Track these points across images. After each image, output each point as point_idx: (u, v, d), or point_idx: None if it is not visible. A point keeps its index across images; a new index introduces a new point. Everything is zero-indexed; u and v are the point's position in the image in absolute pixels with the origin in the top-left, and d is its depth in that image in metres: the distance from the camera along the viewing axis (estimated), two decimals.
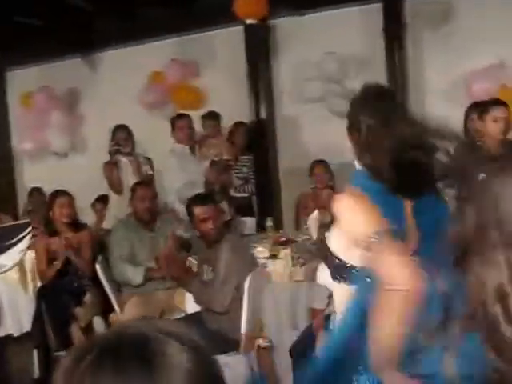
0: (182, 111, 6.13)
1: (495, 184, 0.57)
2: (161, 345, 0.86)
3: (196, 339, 0.90)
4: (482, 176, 3.07)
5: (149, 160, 5.79)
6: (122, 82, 6.80)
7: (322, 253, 2.30)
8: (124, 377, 0.83)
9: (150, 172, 5.69)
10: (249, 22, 5.04)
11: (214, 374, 0.90)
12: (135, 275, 4.55)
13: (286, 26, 6.42)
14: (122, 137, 5.56)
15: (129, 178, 5.49)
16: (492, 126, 4.09)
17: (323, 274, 3.95)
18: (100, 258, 4.67)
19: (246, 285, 3.75)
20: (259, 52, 6.37)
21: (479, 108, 4.34)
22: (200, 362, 0.87)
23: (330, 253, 2.18)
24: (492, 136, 4.08)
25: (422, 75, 5.95)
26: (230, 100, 6.44)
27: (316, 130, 6.23)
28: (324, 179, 5.61)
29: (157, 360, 0.84)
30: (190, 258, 4.51)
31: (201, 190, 5.47)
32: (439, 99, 5.83)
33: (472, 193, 0.63)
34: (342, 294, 2.23)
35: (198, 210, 4.02)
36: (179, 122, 5.75)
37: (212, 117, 6.13)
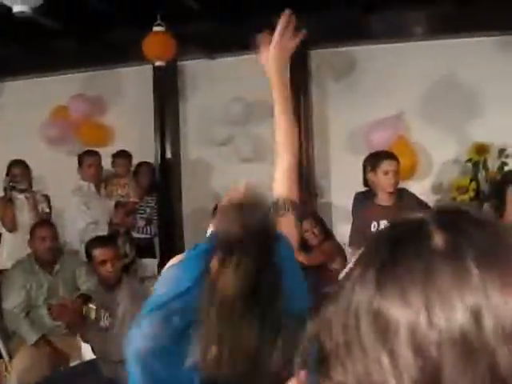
0: (86, 148, 5.99)
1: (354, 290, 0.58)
2: None
3: None
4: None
5: (46, 197, 5.59)
6: (23, 114, 6.58)
7: None
8: None
9: (47, 210, 5.50)
10: (157, 63, 5.02)
11: None
12: (30, 335, 4.35)
13: (195, 68, 6.46)
14: (18, 172, 5.35)
15: (25, 216, 5.29)
16: (383, 178, 4.21)
17: None
18: None
19: None
20: (167, 92, 6.36)
21: (372, 160, 4.49)
22: None
23: None
24: (383, 188, 4.21)
25: (326, 123, 6.12)
26: (135, 138, 6.36)
27: (221, 173, 6.25)
28: None
29: None
30: (89, 305, 4.36)
31: (105, 230, 5.33)
32: (342, 147, 6.00)
33: None
34: None
35: (97, 252, 3.96)
36: (88, 158, 5.61)
37: (123, 156, 6.01)
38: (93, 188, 5.63)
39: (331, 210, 6.04)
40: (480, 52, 5.55)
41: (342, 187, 5.90)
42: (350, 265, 0.64)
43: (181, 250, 6.75)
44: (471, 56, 5.56)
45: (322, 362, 0.58)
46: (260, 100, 6.17)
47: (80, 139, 6.51)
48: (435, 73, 5.66)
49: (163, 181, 6.31)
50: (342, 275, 0.65)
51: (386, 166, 4.23)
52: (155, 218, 6.13)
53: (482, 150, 5.50)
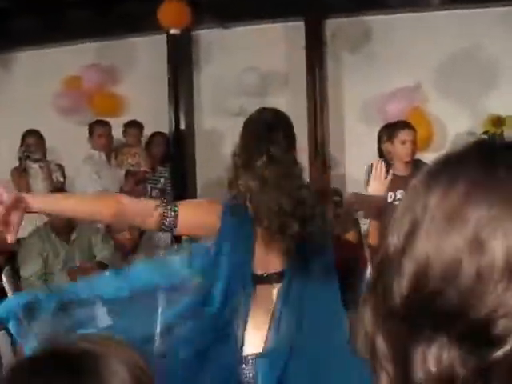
0: (98, 118, 5.99)
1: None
2: (96, 361, 0.84)
3: (135, 356, 0.87)
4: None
5: (60, 167, 5.61)
6: (36, 84, 6.56)
7: None
8: None
9: (61, 179, 5.52)
10: (172, 31, 4.98)
11: None
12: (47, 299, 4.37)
13: (209, 37, 6.41)
14: (32, 142, 5.37)
15: (39, 185, 5.31)
16: (400, 148, 4.22)
17: None
18: (7, 269, 4.45)
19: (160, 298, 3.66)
20: (181, 62, 6.32)
21: (388, 130, 4.47)
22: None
23: None
24: (400, 158, 4.22)
25: (341, 94, 6.08)
26: (149, 109, 6.34)
27: (235, 143, 6.22)
28: None
29: (89, 377, 0.82)
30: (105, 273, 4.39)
31: None
32: (357, 118, 5.97)
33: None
34: None
35: None
36: (98, 128, 5.63)
37: (135, 126, 6.02)
38: (103, 157, 5.66)
39: (345, 182, 6.02)
40: (498, 23, 5.47)
41: (356, 159, 5.88)
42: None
43: None
44: (488, 27, 5.49)
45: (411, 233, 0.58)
46: (274, 70, 6.14)
47: (93, 109, 6.50)
48: (452, 44, 5.59)
49: (177, 151, 6.31)
50: None
51: (404, 135, 4.23)
52: (169, 188, 6.14)
53: (497, 122, 5.45)
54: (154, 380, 0.89)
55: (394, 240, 0.55)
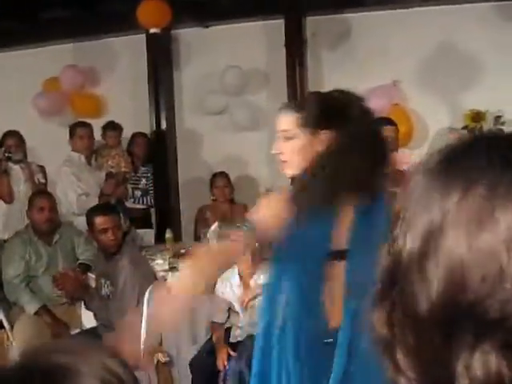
0: (79, 119, 5.95)
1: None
2: (66, 377, 0.80)
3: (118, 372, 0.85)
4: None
5: (41, 168, 5.56)
6: (16, 85, 6.51)
7: None
8: None
9: (43, 180, 5.48)
10: (152, 30, 4.96)
11: None
12: (30, 305, 4.34)
13: (189, 36, 6.39)
14: (12, 143, 5.31)
15: (20, 187, 5.27)
16: None
17: (222, 288, 3.96)
18: None
19: (146, 298, 3.66)
20: (161, 61, 6.30)
21: None
22: None
23: None
24: None
25: (320, 90, 6.08)
26: (129, 109, 6.32)
27: (217, 143, 6.23)
28: (224, 192, 5.61)
29: None
30: (88, 274, 4.37)
31: (96, 201, 5.33)
32: None
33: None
34: None
35: (99, 220, 3.95)
36: (80, 130, 5.58)
37: (113, 127, 5.98)
38: (83, 159, 5.62)
39: None
40: (476, 18, 5.52)
41: None
42: None
43: (177, 221, 6.80)
44: (467, 23, 5.54)
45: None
46: (255, 68, 6.15)
47: (73, 111, 6.47)
48: (431, 40, 5.63)
49: (158, 151, 6.29)
50: None
51: (386, 131, 4.23)
52: (151, 188, 6.13)
53: (477, 117, 5.51)
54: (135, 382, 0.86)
55: (409, 244, 0.53)
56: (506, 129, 5.38)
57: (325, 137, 2.13)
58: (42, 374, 0.80)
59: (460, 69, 5.60)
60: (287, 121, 2.21)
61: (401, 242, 0.54)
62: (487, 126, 5.43)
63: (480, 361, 0.49)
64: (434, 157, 0.59)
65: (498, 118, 5.44)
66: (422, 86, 5.63)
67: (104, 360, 0.84)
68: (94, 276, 4.27)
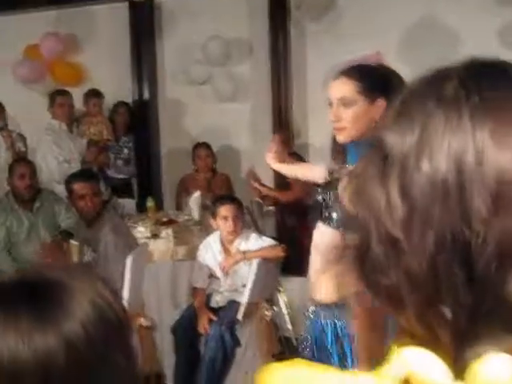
0: (60, 87, 5.91)
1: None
2: (61, 292, 0.82)
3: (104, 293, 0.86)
4: None
5: (22, 136, 5.54)
6: None
7: None
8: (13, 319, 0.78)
9: (23, 149, 5.46)
10: None
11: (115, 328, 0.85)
12: (12, 269, 4.34)
13: (171, 5, 6.33)
14: None
15: (1, 155, 5.26)
16: None
17: (204, 253, 4.01)
18: None
19: (128, 264, 3.68)
20: (143, 30, 6.24)
21: None
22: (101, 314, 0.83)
23: None
24: None
25: (304, 62, 6.10)
26: (111, 78, 6.27)
27: (199, 113, 6.22)
28: (206, 162, 5.63)
29: (51, 305, 0.80)
30: (71, 241, 4.37)
31: (77, 169, 5.32)
32: (320, 86, 5.99)
33: None
34: None
35: (77, 186, 3.95)
36: (59, 98, 5.57)
37: (96, 95, 5.97)
38: (64, 127, 5.62)
39: (308, 150, 6.08)
40: None
41: (319, 128, 5.92)
42: None
43: (158, 190, 6.78)
44: None
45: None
46: (238, 38, 6.12)
47: (54, 79, 6.39)
48: (414, 13, 5.65)
49: (140, 121, 6.26)
50: None
51: None
52: (133, 158, 6.12)
53: None
54: (124, 317, 0.86)
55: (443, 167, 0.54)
56: None
57: (380, 104, 2.17)
58: (31, 286, 0.81)
59: (442, 41, 5.62)
60: (347, 88, 2.23)
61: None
62: None
63: None
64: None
65: None
66: (405, 58, 5.63)
67: (97, 284, 0.85)
68: (76, 243, 4.28)
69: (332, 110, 2.26)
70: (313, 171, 2.69)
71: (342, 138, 2.28)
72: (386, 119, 0.60)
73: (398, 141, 0.56)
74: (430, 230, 0.53)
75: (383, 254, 0.56)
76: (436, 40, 5.64)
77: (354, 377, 0.57)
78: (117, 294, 0.89)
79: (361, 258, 0.59)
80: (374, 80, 2.23)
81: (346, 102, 2.22)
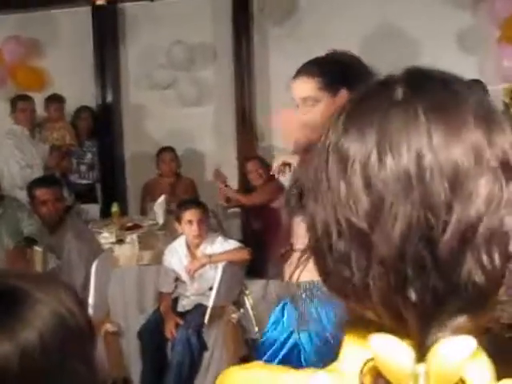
0: (22, 92, 5.84)
1: (326, 139, 0.65)
2: (21, 299, 0.84)
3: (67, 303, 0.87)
4: None
5: None
6: None
7: None
8: None
9: None
10: (98, 2, 4.88)
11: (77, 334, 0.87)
12: None
13: (135, 10, 6.32)
14: None
15: None
16: None
17: (170, 257, 4.01)
18: None
19: (93, 270, 3.67)
20: (107, 35, 6.21)
21: None
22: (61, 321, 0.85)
23: None
24: None
25: (267, 66, 6.15)
26: (74, 83, 6.22)
27: (163, 117, 6.22)
28: (171, 166, 5.63)
29: (10, 314, 0.83)
30: (35, 248, 4.33)
31: (39, 174, 5.27)
32: (283, 90, 6.04)
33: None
34: None
35: (39, 192, 3.92)
36: (21, 103, 5.50)
37: (56, 99, 5.91)
38: (26, 132, 5.55)
39: (272, 153, 6.12)
40: (415, 1, 5.67)
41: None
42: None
43: (123, 195, 6.73)
44: (408, 2, 5.67)
45: (300, 200, 0.67)
46: (202, 43, 6.15)
47: (15, 83, 6.32)
48: (374, 18, 5.74)
49: (104, 125, 6.23)
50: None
51: None
52: (97, 163, 6.09)
53: None
54: (86, 326, 0.88)
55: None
56: None
57: (343, 95, 2.11)
58: None
59: (400, 47, 5.72)
60: (309, 87, 2.15)
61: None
62: None
63: None
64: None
65: None
66: (366, 61, 5.74)
67: (60, 293, 0.86)
68: (40, 250, 4.24)
69: (299, 110, 2.20)
70: None
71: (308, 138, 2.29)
72: (335, 122, 0.64)
73: (356, 140, 0.60)
74: (396, 220, 0.57)
75: (346, 246, 0.59)
76: (395, 45, 5.74)
77: (311, 374, 0.60)
78: (81, 302, 0.90)
79: (320, 251, 0.62)
80: (334, 72, 2.17)
81: (310, 102, 2.15)
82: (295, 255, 0.70)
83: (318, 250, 0.63)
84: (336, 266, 0.61)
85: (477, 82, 4.61)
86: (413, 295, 0.57)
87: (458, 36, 5.64)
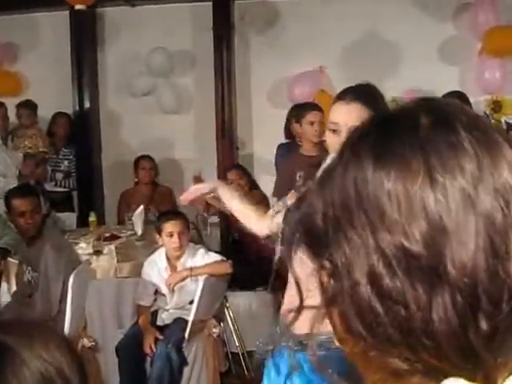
0: None
1: (349, 169, 0.58)
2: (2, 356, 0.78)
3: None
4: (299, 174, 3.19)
5: None
6: None
7: None
8: None
9: None
10: (77, 7, 4.78)
11: None
12: None
13: (115, 15, 6.23)
14: None
15: None
16: (308, 129, 4.30)
17: (149, 270, 3.93)
18: None
19: (70, 282, 3.57)
20: (85, 40, 6.10)
21: (297, 111, 4.55)
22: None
23: None
24: (308, 139, 4.30)
25: (248, 75, 6.11)
26: (51, 88, 6.11)
27: (142, 125, 6.13)
28: (148, 174, 5.55)
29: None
30: (9, 259, 4.21)
31: (14, 183, 5.15)
32: (264, 100, 6.02)
33: (319, 181, 0.63)
34: None
35: (16, 203, 3.80)
36: None
37: (27, 106, 5.77)
38: None
39: (253, 162, 6.08)
40: (398, 8, 5.67)
41: (263, 139, 5.95)
42: (329, 159, 0.66)
43: (100, 204, 6.61)
44: (390, 12, 5.67)
45: (313, 241, 0.58)
46: (182, 50, 6.08)
47: None
48: (356, 28, 5.73)
49: (81, 132, 6.12)
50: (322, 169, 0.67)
51: (311, 116, 4.32)
52: (73, 170, 5.98)
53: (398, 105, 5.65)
54: (79, 378, 0.82)
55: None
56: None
57: None
58: None
59: (382, 57, 5.73)
60: (362, 115, 1.88)
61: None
62: None
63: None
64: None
65: None
66: (347, 72, 5.71)
67: (50, 348, 0.80)
68: (16, 261, 4.13)
69: (340, 137, 1.94)
70: (260, 223, 2.34)
71: None
72: (355, 152, 0.59)
73: (396, 166, 0.56)
74: (463, 244, 0.53)
75: (399, 281, 0.54)
76: (377, 54, 5.75)
77: None
78: (73, 351, 0.83)
79: (359, 298, 0.56)
80: (378, 103, 2.00)
81: None
82: (307, 314, 0.62)
83: (356, 299, 0.56)
84: (387, 309, 0.54)
85: (459, 93, 4.62)
86: (484, 324, 0.53)
87: (440, 47, 5.66)
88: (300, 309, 0.63)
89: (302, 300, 0.64)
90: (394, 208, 0.55)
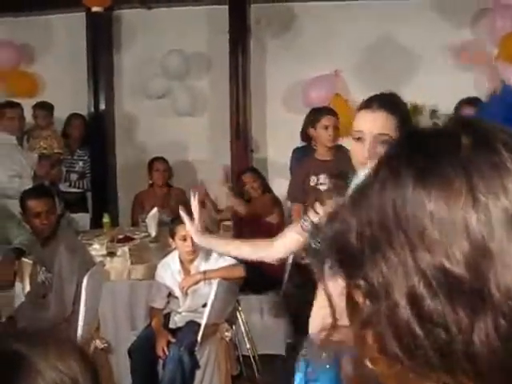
0: (13, 99, 5.74)
1: (386, 188, 0.57)
2: (18, 365, 0.77)
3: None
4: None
5: None
6: None
7: None
8: None
9: None
10: (94, 9, 4.79)
11: None
12: None
13: (131, 17, 6.26)
14: None
15: None
16: (322, 133, 4.30)
17: (162, 273, 3.93)
18: None
19: (84, 284, 3.58)
20: (101, 42, 6.13)
21: (312, 116, 4.55)
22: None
23: None
24: (322, 143, 4.30)
25: (263, 78, 6.11)
26: (67, 90, 6.14)
27: (156, 127, 6.15)
28: (162, 176, 5.56)
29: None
30: (24, 259, 4.23)
31: (29, 183, 5.17)
32: (279, 104, 6.02)
33: (353, 199, 0.61)
34: None
35: (32, 204, 3.81)
36: (9, 110, 5.37)
37: (44, 107, 5.79)
38: (14, 140, 5.44)
39: (267, 165, 6.07)
40: (415, 12, 5.65)
41: (277, 143, 5.95)
42: (362, 175, 0.65)
43: (114, 205, 6.66)
44: (407, 16, 5.65)
45: (346, 260, 0.58)
46: (198, 53, 6.09)
47: (6, 90, 6.22)
48: (372, 32, 5.72)
49: (96, 134, 6.14)
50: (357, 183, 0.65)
51: (326, 121, 4.32)
52: (88, 172, 6.00)
53: (414, 110, 5.62)
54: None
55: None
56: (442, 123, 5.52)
57: None
58: None
59: (398, 62, 5.71)
60: (389, 124, 1.92)
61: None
62: (424, 119, 5.57)
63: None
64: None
65: (433, 112, 5.58)
66: (363, 76, 5.71)
67: (65, 358, 0.79)
68: (30, 261, 4.14)
69: (365, 145, 1.92)
70: (269, 250, 2.28)
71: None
72: (393, 172, 0.58)
73: (438, 187, 0.55)
74: (507, 265, 0.52)
75: (440, 303, 0.53)
76: (393, 58, 5.73)
77: None
78: (87, 359, 0.83)
79: (398, 320, 0.54)
80: (404, 114, 1.99)
81: (385, 140, 1.88)
82: (340, 335, 0.61)
83: (394, 320, 0.54)
84: (427, 332, 0.53)
85: (476, 99, 4.59)
86: None
87: (457, 52, 5.63)
88: (333, 328, 0.61)
89: (335, 318, 0.63)
90: (434, 228, 0.53)
